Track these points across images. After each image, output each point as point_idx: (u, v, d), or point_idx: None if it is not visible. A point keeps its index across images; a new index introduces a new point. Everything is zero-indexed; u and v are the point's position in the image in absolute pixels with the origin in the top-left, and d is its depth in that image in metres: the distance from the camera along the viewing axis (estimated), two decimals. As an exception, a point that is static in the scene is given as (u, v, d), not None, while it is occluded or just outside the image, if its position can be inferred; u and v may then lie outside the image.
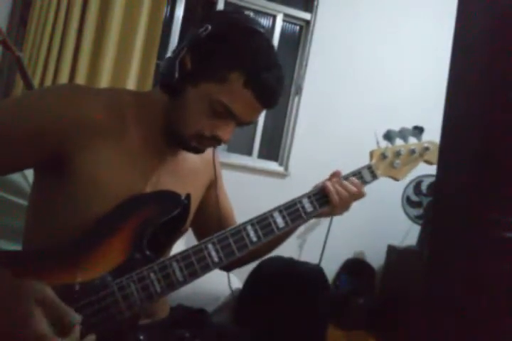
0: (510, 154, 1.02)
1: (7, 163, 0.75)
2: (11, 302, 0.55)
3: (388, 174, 0.98)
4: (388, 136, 0.97)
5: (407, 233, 2.93)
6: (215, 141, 0.80)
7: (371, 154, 0.97)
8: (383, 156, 0.96)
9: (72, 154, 0.74)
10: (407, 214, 2.78)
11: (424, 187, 2.74)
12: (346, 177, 0.92)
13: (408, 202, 2.79)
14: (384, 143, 0.98)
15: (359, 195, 0.91)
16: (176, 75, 0.75)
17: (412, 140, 1.00)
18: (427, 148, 1.00)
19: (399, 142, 0.99)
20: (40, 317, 0.55)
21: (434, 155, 1.01)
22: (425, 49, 3.03)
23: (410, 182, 2.77)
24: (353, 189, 0.90)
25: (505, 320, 0.87)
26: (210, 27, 0.74)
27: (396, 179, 0.99)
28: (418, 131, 0.99)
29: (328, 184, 0.88)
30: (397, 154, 0.97)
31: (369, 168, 0.95)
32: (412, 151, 0.98)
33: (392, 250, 2.83)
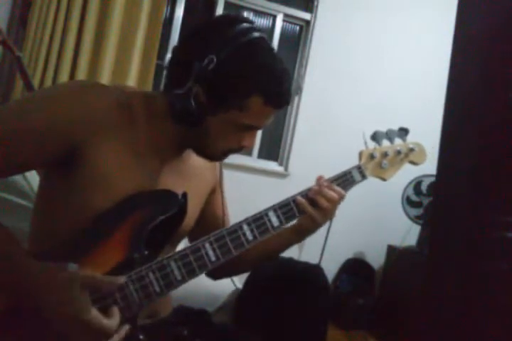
0: (510, 154, 1.02)
1: (20, 162, 0.75)
2: (60, 294, 0.64)
3: (377, 174, 0.99)
4: (375, 137, 0.99)
5: (407, 233, 2.93)
6: (241, 150, 0.85)
7: (360, 154, 0.98)
8: (371, 157, 0.98)
9: (83, 151, 0.75)
10: (407, 214, 2.78)
11: (424, 187, 2.74)
12: (335, 179, 0.92)
13: (408, 202, 2.79)
14: (372, 145, 1.00)
15: (340, 199, 0.90)
16: (195, 113, 0.76)
17: (398, 141, 1.01)
18: (412, 149, 1.02)
19: (386, 143, 1.00)
20: (87, 303, 0.64)
21: (419, 156, 1.04)
22: (425, 49, 3.03)
23: (410, 182, 2.77)
24: (334, 196, 0.88)
25: (506, 319, 0.87)
26: (215, 59, 0.74)
27: (384, 179, 1.01)
28: (404, 132, 1.01)
29: (301, 201, 0.86)
30: (385, 155, 0.99)
31: (359, 168, 0.96)
32: (398, 152, 1.00)
33: (392, 250, 2.83)
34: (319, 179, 0.91)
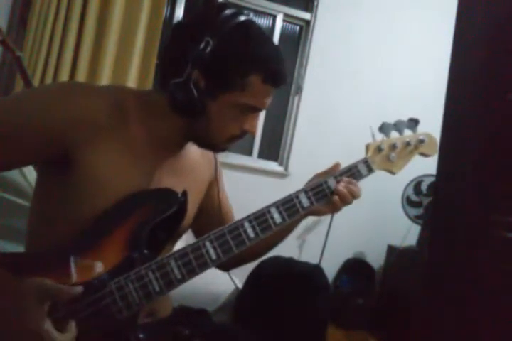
0: (510, 154, 1.02)
1: (11, 160, 0.75)
2: (13, 303, 0.61)
3: (384, 167, 0.96)
4: (383, 129, 0.95)
5: (407, 233, 2.93)
6: (244, 135, 0.85)
7: (367, 147, 0.95)
8: (379, 149, 0.94)
9: (76, 152, 0.74)
10: (407, 214, 2.78)
11: (424, 187, 2.74)
12: (341, 174, 0.92)
13: (408, 202, 2.79)
14: (380, 137, 0.96)
15: (357, 196, 0.92)
16: (197, 100, 0.76)
17: (408, 132, 0.98)
18: (422, 141, 0.98)
19: (394, 135, 0.96)
20: (41, 315, 0.60)
21: (429, 147, 1.00)
22: (425, 49, 3.03)
23: (410, 182, 2.77)
24: (356, 190, 0.90)
25: (506, 319, 0.87)
26: (211, 41, 0.74)
27: (392, 172, 0.97)
28: (413, 122, 0.97)
29: (340, 187, 0.89)
30: (393, 147, 0.95)
31: (365, 161, 0.94)
32: (407, 143, 0.96)
33: (392, 250, 2.83)
34: (337, 166, 0.93)
